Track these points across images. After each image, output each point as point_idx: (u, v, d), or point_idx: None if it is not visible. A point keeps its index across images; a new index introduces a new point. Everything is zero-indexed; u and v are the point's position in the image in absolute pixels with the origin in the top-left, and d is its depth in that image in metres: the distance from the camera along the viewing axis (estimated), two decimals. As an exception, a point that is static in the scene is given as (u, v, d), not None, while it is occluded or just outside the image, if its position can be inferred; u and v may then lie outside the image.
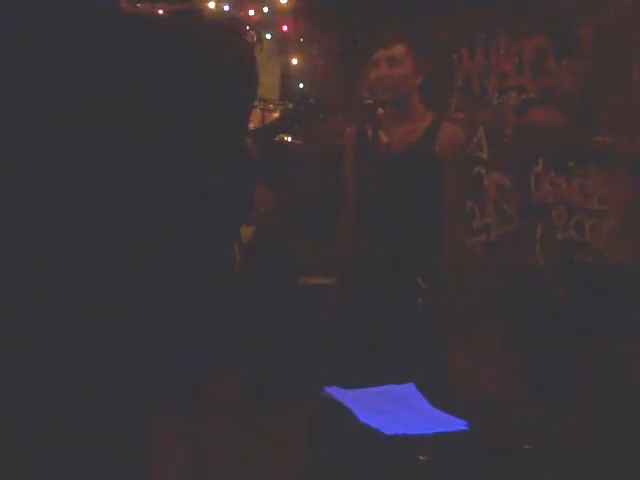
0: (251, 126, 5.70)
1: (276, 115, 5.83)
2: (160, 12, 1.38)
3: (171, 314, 1.36)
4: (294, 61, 5.91)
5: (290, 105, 5.79)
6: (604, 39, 3.83)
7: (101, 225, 1.24)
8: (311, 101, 5.71)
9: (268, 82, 5.96)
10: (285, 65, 5.99)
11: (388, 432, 1.83)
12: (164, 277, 1.31)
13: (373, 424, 1.87)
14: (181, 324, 1.36)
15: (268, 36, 5.81)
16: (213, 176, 1.33)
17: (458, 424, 1.92)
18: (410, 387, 2.12)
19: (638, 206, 3.63)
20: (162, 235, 1.30)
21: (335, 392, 2.06)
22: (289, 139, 5.53)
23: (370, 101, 2.89)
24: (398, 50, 2.90)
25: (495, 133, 4.52)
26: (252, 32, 5.66)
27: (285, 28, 5.78)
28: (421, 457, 1.76)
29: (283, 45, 5.90)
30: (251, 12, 5.69)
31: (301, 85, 5.94)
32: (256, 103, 5.77)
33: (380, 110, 2.91)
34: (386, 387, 2.13)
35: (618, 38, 3.75)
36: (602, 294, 3.55)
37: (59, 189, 1.21)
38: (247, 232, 4.77)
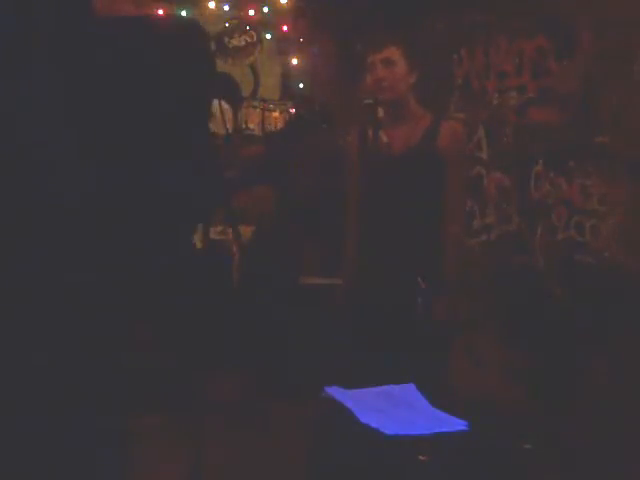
0: (252, 126, 5.70)
1: (276, 114, 5.83)
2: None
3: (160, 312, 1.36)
4: (294, 61, 5.91)
5: (291, 109, 5.78)
6: (604, 39, 3.83)
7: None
8: (315, 108, 5.71)
9: (268, 82, 5.96)
10: (285, 65, 5.99)
11: (388, 432, 1.83)
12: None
13: (373, 424, 1.86)
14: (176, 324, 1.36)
15: (268, 36, 5.82)
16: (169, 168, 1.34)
17: (458, 424, 1.92)
18: (410, 387, 2.12)
19: (638, 206, 3.62)
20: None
21: (335, 392, 2.06)
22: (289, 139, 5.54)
23: (370, 101, 2.90)
24: (391, 51, 2.91)
25: (495, 133, 4.52)
26: (252, 32, 5.67)
27: (285, 28, 5.79)
28: (421, 457, 1.76)
29: (283, 45, 5.91)
30: (251, 12, 5.69)
31: (301, 85, 5.94)
32: (256, 103, 5.78)
33: (380, 111, 2.92)
34: (386, 387, 2.13)
35: (618, 38, 3.75)
36: (602, 294, 3.55)
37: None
38: (247, 232, 4.78)
